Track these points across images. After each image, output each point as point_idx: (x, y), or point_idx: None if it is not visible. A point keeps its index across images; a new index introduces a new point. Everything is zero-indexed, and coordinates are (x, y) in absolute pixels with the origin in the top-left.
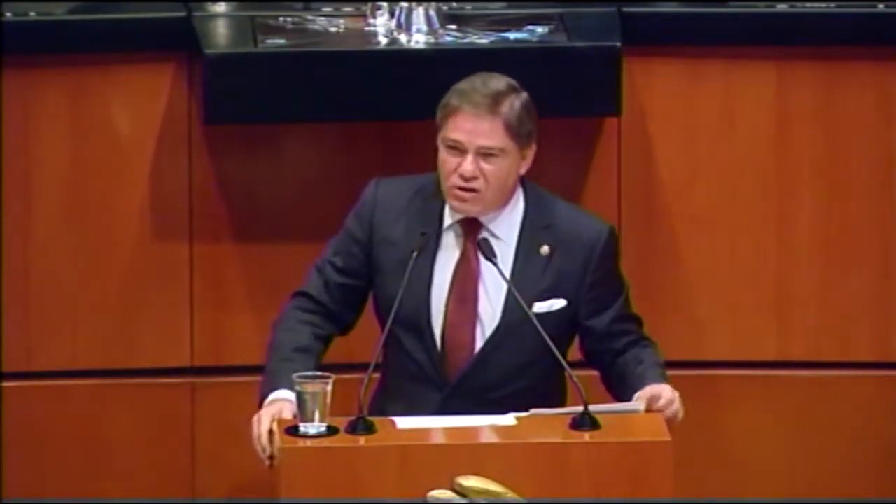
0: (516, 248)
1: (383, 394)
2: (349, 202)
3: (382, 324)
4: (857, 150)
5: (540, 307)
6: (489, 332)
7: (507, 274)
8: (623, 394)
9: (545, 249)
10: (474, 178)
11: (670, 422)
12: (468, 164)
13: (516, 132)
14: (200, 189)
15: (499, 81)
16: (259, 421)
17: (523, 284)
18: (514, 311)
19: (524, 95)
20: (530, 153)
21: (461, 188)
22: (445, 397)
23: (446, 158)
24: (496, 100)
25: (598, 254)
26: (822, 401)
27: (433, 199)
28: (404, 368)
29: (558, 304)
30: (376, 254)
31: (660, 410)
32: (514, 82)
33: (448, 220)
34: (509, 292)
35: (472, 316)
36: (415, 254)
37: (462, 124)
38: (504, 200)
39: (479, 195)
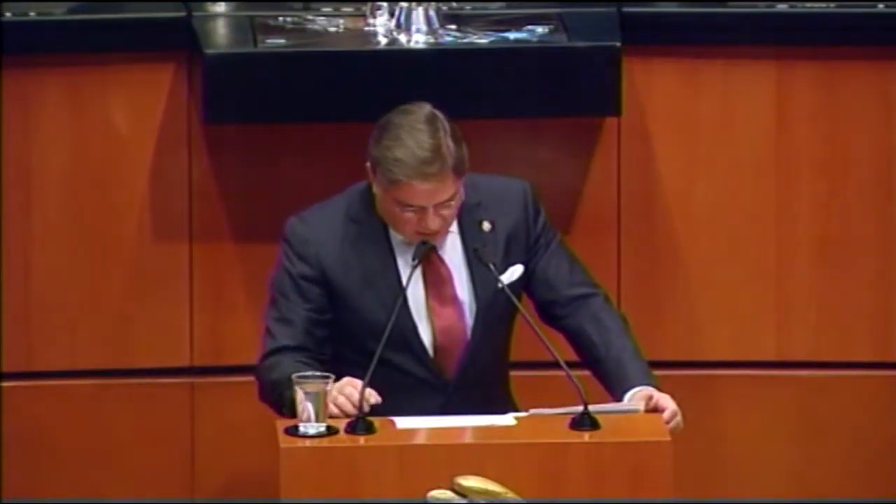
0: (461, 233)
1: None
2: None
3: (353, 347)
4: (857, 150)
5: (505, 278)
6: (472, 321)
7: (463, 259)
8: (605, 379)
9: (487, 225)
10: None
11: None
12: (433, 221)
13: (460, 170)
14: (200, 189)
15: (423, 130)
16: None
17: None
18: (484, 290)
19: (444, 121)
20: (468, 163)
21: (425, 234)
22: (447, 397)
23: (400, 214)
24: (439, 157)
25: (532, 208)
26: (822, 401)
27: (368, 219)
28: (394, 385)
29: (518, 269)
30: (336, 286)
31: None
32: (427, 111)
33: (395, 234)
34: (473, 275)
35: (459, 313)
36: (415, 261)
37: (417, 194)
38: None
39: (442, 231)
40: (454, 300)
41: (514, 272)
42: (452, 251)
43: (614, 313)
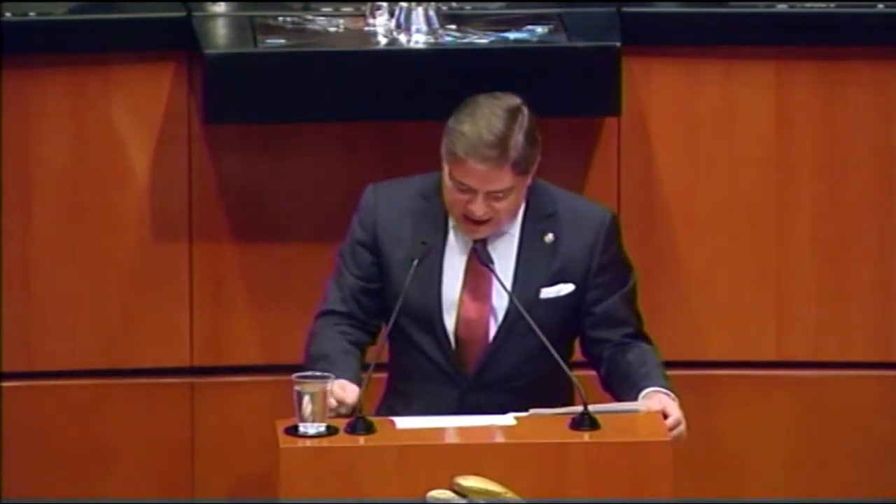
0: (520, 237)
1: (393, 397)
2: (349, 202)
3: (393, 323)
4: (857, 150)
5: (548, 292)
6: (500, 321)
7: (513, 263)
8: (625, 392)
9: (549, 237)
10: (486, 216)
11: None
12: (479, 207)
13: (524, 168)
14: (200, 189)
15: (500, 117)
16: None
17: (530, 272)
18: (521, 298)
19: (525, 118)
20: (535, 167)
21: (472, 220)
22: (463, 392)
23: (454, 191)
24: (502, 144)
25: (604, 238)
26: (822, 401)
27: (435, 200)
28: (418, 368)
29: (566, 288)
30: (384, 255)
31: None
32: (514, 103)
33: (452, 219)
34: (515, 281)
35: (487, 310)
36: (415, 262)
37: (470, 173)
38: (515, 218)
39: (491, 224)
40: (486, 297)
41: (561, 290)
42: (504, 253)
43: (659, 357)
